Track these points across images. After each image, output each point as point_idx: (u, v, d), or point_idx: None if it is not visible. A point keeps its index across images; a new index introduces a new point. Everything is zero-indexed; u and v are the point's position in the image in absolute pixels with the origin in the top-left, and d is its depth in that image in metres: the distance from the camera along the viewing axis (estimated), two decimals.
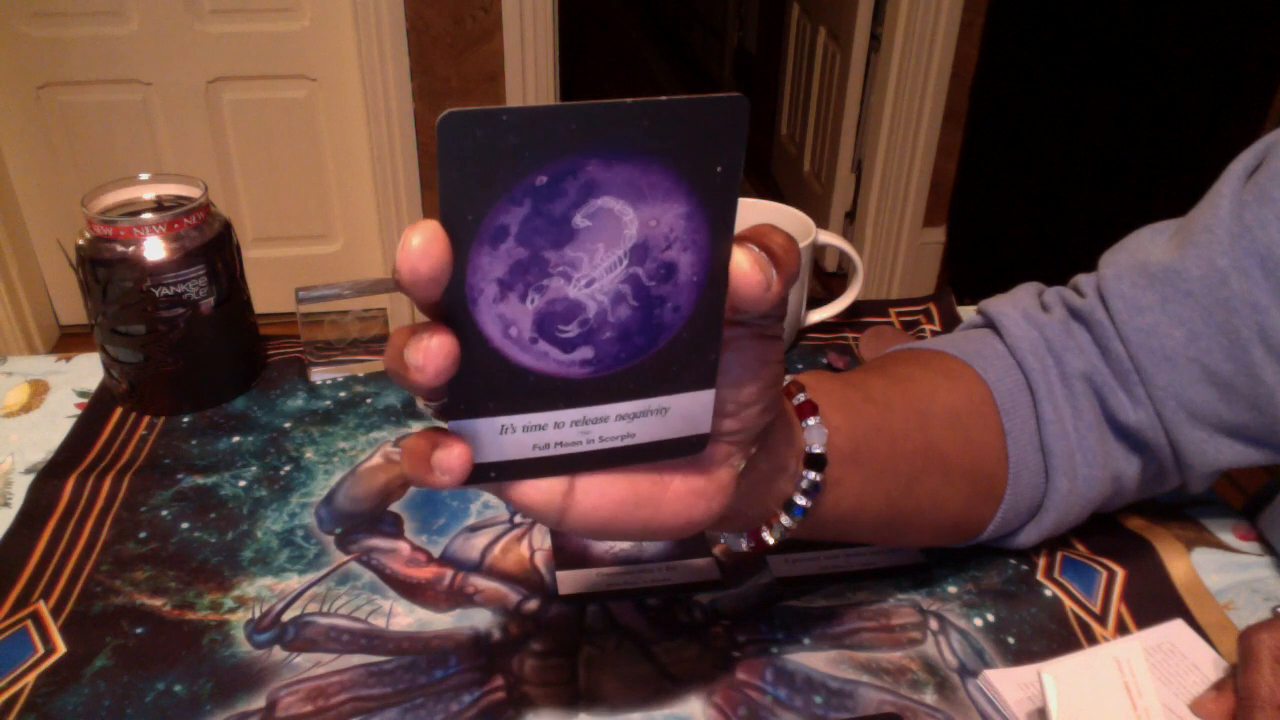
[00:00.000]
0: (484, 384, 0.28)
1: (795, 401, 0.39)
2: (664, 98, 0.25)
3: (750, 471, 0.36)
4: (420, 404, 0.66)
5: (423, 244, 0.25)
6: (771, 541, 0.39)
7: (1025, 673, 0.44)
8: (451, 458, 0.28)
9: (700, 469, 0.34)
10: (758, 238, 0.30)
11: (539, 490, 0.31)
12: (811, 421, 0.39)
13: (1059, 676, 0.40)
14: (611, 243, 0.27)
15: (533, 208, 0.26)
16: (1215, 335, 0.44)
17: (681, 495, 0.33)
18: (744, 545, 0.40)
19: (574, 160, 0.25)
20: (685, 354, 0.30)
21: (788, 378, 0.40)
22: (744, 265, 0.29)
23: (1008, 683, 0.43)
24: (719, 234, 0.28)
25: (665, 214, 0.27)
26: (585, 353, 0.29)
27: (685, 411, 0.31)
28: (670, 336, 0.29)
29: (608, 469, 0.32)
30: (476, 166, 0.25)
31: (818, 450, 0.38)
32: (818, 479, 0.38)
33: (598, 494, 0.32)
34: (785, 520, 0.39)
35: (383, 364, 0.30)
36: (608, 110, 0.25)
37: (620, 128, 0.25)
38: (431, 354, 0.26)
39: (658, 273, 0.28)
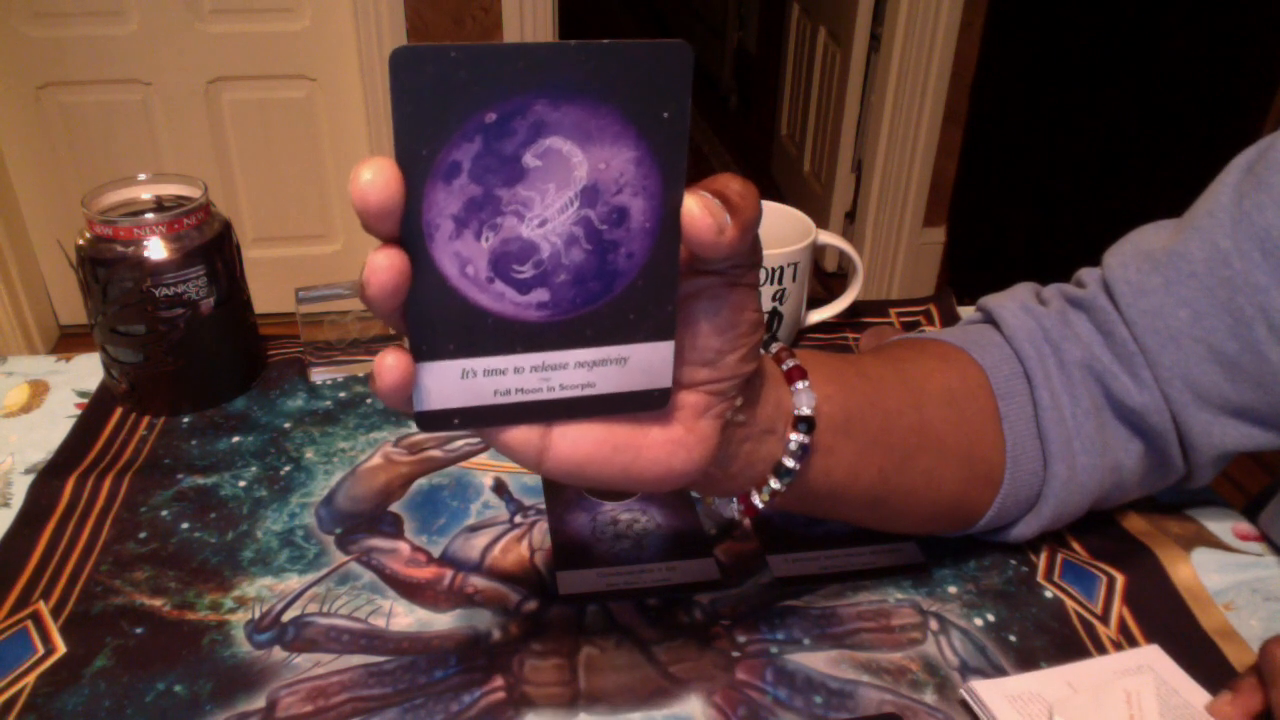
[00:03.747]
0: (443, 324, 0.29)
1: (784, 367, 0.39)
2: (607, 40, 0.26)
3: (737, 432, 0.37)
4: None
5: (372, 177, 0.26)
6: (760, 505, 0.39)
7: (1015, 684, 0.43)
8: (387, 357, 0.29)
9: (680, 419, 0.34)
10: (711, 183, 0.30)
11: (517, 430, 0.32)
12: (800, 385, 0.39)
13: (1069, 716, 0.40)
14: (562, 183, 0.28)
15: (484, 145, 0.27)
16: (1219, 314, 0.44)
17: (661, 443, 0.34)
18: (734, 509, 0.40)
19: (522, 99, 0.26)
20: (642, 302, 0.30)
21: (776, 345, 0.40)
22: (694, 210, 0.29)
23: (996, 695, 0.42)
24: (670, 181, 0.29)
25: (615, 157, 0.28)
26: (541, 295, 0.29)
27: (644, 363, 0.32)
28: (626, 283, 0.30)
29: (570, 419, 0.32)
30: (428, 102, 0.26)
31: (806, 412, 0.39)
32: (806, 441, 0.39)
33: (575, 436, 0.32)
34: (774, 483, 0.39)
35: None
36: (552, 51, 0.26)
37: (565, 68, 0.26)
38: (377, 269, 0.27)
39: (609, 216, 0.29)
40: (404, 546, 0.52)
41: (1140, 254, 0.47)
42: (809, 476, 0.40)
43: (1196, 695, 0.42)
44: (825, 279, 2.38)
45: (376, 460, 0.58)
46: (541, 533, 0.53)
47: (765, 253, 0.37)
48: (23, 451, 0.59)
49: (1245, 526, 0.54)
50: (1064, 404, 0.46)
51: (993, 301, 0.51)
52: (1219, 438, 0.46)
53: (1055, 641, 0.46)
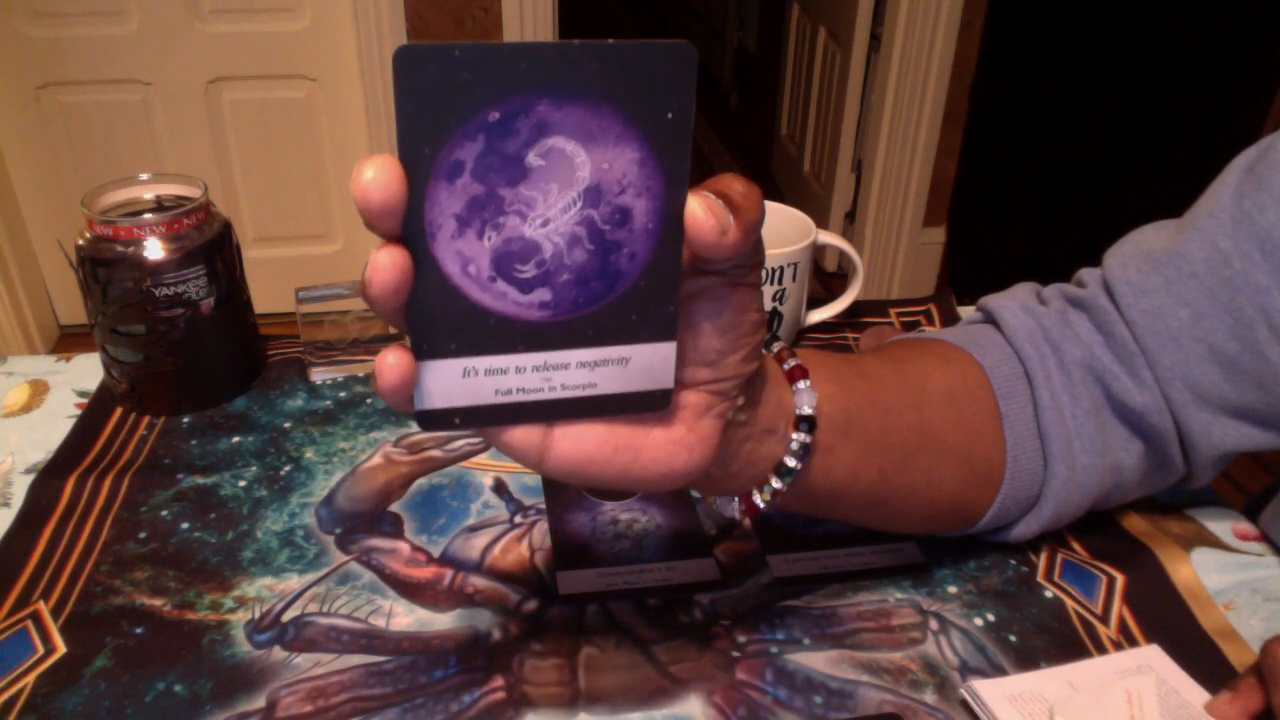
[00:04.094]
0: (445, 323, 0.29)
1: (786, 367, 0.39)
2: (611, 40, 0.26)
3: (738, 432, 0.37)
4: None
5: (374, 175, 0.26)
6: (762, 504, 0.39)
7: (1015, 684, 0.43)
8: (388, 356, 0.29)
9: (682, 419, 0.34)
10: (714, 184, 0.30)
11: (518, 430, 0.32)
12: (802, 385, 0.39)
13: (1070, 716, 0.40)
14: (565, 183, 0.28)
15: (486, 144, 0.27)
16: (1220, 315, 0.44)
17: (662, 443, 0.34)
18: (735, 509, 0.40)
19: (525, 98, 0.26)
20: (644, 303, 0.31)
21: (778, 344, 0.40)
22: (697, 211, 0.29)
23: (996, 695, 0.42)
24: (673, 182, 0.29)
25: (617, 158, 0.28)
26: (543, 294, 0.29)
27: (646, 363, 0.32)
28: (628, 284, 0.30)
29: (571, 419, 0.32)
30: (431, 101, 0.26)
31: (808, 412, 0.39)
32: (807, 440, 0.39)
33: (576, 435, 0.33)
34: (775, 483, 0.39)
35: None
36: (555, 51, 0.26)
37: (568, 69, 0.26)
38: (379, 268, 0.27)
39: (612, 217, 0.29)
40: (404, 546, 0.52)
41: (1140, 254, 0.47)
42: (809, 476, 0.40)
43: (1196, 695, 0.42)
44: (825, 279, 2.38)
45: (376, 460, 0.58)
46: (541, 533, 0.53)
47: (766, 253, 0.37)
48: (23, 451, 0.59)
49: (1245, 526, 0.54)
50: (1064, 404, 0.46)
51: (993, 301, 0.51)
52: (1219, 438, 0.46)
53: (1055, 641, 0.46)
